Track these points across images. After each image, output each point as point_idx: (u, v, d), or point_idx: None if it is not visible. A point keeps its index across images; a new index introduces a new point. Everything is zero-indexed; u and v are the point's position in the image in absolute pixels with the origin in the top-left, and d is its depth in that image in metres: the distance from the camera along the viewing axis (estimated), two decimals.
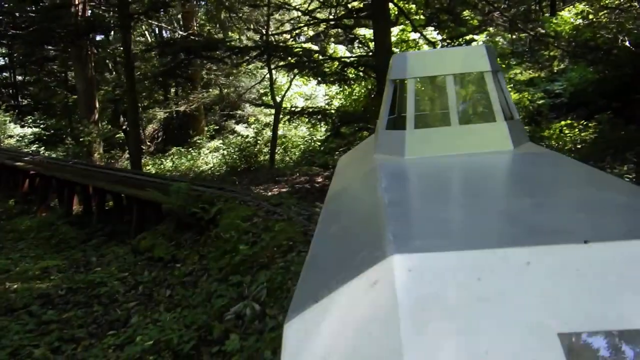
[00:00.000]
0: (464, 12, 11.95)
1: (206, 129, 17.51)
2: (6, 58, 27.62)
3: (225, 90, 16.40)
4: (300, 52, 11.19)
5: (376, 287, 1.15)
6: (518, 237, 1.31)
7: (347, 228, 1.82)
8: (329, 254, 1.64)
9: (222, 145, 15.19)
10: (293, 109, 11.93)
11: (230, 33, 17.05)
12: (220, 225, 6.21)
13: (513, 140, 2.40)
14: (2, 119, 18.16)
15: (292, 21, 13.71)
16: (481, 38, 11.94)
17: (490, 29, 12.24)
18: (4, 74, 28.04)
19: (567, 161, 2.34)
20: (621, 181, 1.94)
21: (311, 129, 14.38)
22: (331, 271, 1.41)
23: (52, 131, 19.95)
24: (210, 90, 16.87)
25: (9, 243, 8.10)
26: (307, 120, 11.50)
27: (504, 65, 12.42)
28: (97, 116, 16.03)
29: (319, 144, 13.12)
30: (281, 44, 12.06)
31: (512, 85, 11.89)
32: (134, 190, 8.11)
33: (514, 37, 13.70)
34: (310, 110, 11.34)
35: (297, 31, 12.57)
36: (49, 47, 20.64)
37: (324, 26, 12.75)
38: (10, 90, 27.53)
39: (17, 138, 17.94)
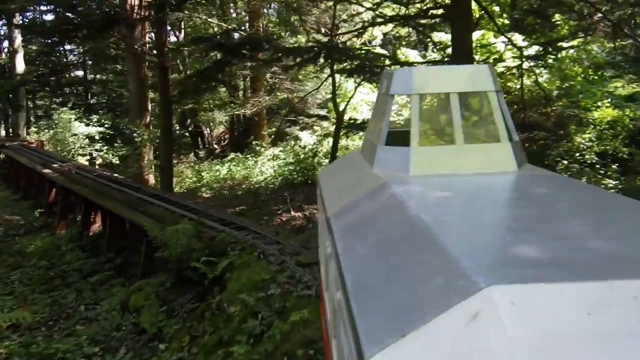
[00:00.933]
0: (556, 15, 10.52)
1: (266, 134, 16.29)
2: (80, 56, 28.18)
3: (289, 95, 15.09)
4: (363, 55, 9.53)
5: (478, 321, 1.08)
6: (610, 268, 1.24)
7: (388, 249, 1.70)
8: (382, 278, 1.49)
9: (281, 153, 13.90)
10: (352, 121, 10.31)
11: (299, 37, 15.74)
12: (226, 290, 4.65)
13: (517, 161, 2.43)
14: (67, 117, 18.48)
15: (358, 21, 11.97)
16: (576, 43, 9.86)
17: (585, 34, 9.95)
18: (78, 72, 28.65)
19: (576, 183, 2.45)
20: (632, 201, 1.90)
21: None
22: (404, 299, 1.29)
23: (115, 131, 20.42)
24: (273, 94, 15.64)
25: (3, 272, 7.16)
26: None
27: (596, 77, 11.35)
28: (148, 118, 15.26)
29: None
30: (343, 46, 10.44)
31: (609, 100, 10.60)
32: (142, 219, 6.77)
33: (615, 44, 11.27)
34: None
35: (361, 30, 10.87)
36: (111, 45, 20.56)
37: (394, 25, 11.03)
38: (80, 89, 28.23)
39: (81, 137, 18.25)
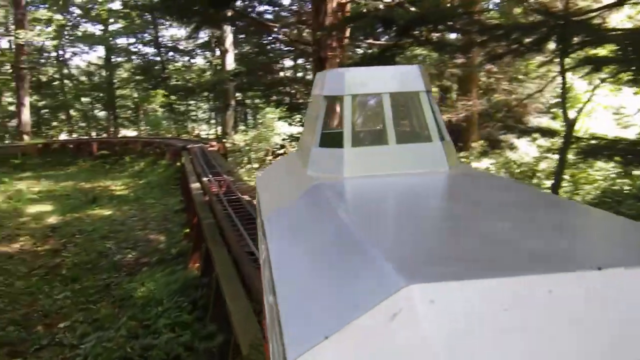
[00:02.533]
0: None
1: (476, 144, 14.75)
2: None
3: (507, 96, 13.41)
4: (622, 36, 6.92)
5: (397, 321, 1.12)
6: (528, 263, 1.31)
7: (315, 251, 1.78)
8: (309, 280, 1.58)
9: (491, 167, 12.39)
10: (591, 138, 8.16)
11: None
12: None
13: (448, 160, 2.61)
14: (271, 116, 19.28)
15: None
16: None
17: None
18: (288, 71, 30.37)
19: (508, 182, 2.75)
20: (573, 203, 2.10)
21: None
22: (326, 301, 1.36)
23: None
24: (487, 96, 14.10)
25: (77, 333, 5.89)
26: (616, 158, 7.76)
27: None
28: None
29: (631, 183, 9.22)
30: (585, 23, 7.36)
31: None
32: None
33: None
34: (624, 143, 7.47)
35: None
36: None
37: None
38: (288, 88, 29.89)
39: (284, 136, 18.90)
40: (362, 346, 1.12)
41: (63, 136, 28.03)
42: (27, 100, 21.83)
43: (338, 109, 2.91)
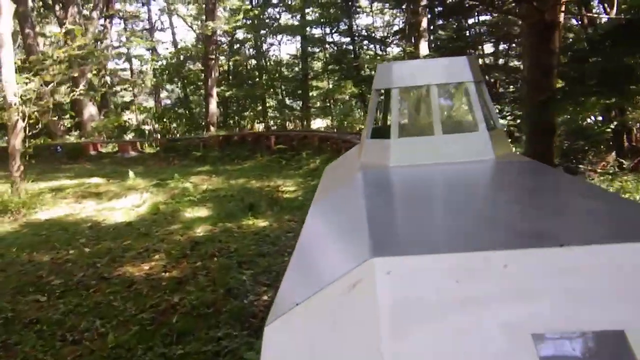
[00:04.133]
0: None
1: None
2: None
3: None
4: None
5: (356, 290, 1.32)
6: (496, 240, 1.53)
7: (330, 233, 2.14)
8: (312, 258, 1.89)
9: None
10: None
11: None
12: None
13: (495, 149, 2.77)
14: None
15: None
16: None
17: None
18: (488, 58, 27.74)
19: (547, 169, 2.77)
20: (600, 189, 2.47)
21: None
22: (313, 274, 1.66)
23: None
24: None
25: None
26: None
27: None
28: (550, 114, 11.69)
29: None
30: None
31: None
32: None
33: None
34: None
35: None
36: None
37: None
38: (487, 77, 26.93)
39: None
40: (326, 312, 1.35)
41: (260, 127, 28.68)
42: (214, 91, 22.22)
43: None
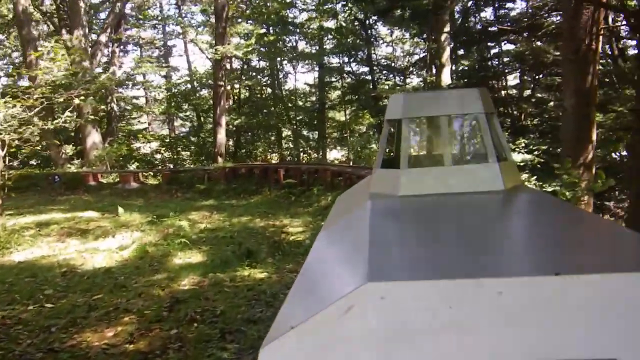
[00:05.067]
0: None
1: None
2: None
3: None
4: None
5: (350, 314, 1.35)
6: (492, 268, 1.56)
7: (333, 258, 2.22)
8: (313, 282, 1.93)
9: None
10: None
11: None
12: None
13: (504, 181, 2.81)
14: None
15: None
16: None
17: None
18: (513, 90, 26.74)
19: (554, 202, 2.85)
20: (605, 220, 2.65)
21: None
22: (312, 298, 1.68)
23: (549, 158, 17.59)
24: None
25: None
26: None
27: None
28: (590, 154, 10.80)
29: None
30: None
31: None
32: None
33: None
34: None
35: None
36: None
37: None
38: (510, 109, 25.81)
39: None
40: (320, 335, 1.38)
41: (274, 158, 27.74)
42: (223, 120, 21.27)
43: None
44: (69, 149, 20.69)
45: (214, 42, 22.88)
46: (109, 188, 18.73)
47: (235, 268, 8.35)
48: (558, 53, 16.96)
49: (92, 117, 19.86)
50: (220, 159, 20.42)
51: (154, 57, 31.91)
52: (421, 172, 3.04)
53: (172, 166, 23.93)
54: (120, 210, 13.34)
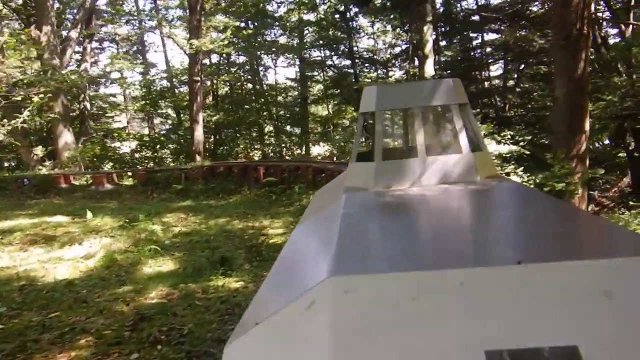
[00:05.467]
0: None
1: None
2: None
3: None
4: None
5: (312, 309, 1.35)
6: (456, 259, 1.54)
7: (304, 254, 2.23)
8: (282, 279, 1.92)
9: None
10: None
11: None
12: None
13: (479, 171, 2.81)
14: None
15: None
16: None
17: None
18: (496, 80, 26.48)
19: (528, 192, 2.86)
20: (575, 209, 2.54)
21: None
22: (279, 294, 1.68)
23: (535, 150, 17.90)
24: None
25: None
26: None
27: None
28: (583, 145, 10.53)
29: None
30: None
31: None
32: None
33: None
34: None
35: None
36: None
37: None
38: (498, 99, 25.53)
39: (492, 157, 15.00)
40: (283, 331, 1.36)
41: (258, 155, 27.06)
42: (200, 117, 20.53)
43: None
44: (39, 150, 19.80)
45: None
46: (81, 190, 17.89)
47: (209, 277, 7.72)
48: (543, 41, 16.55)
49: (57, 116, 18.98)
50: (198, 158, 19.68)
51: (130, 54, 30.99)
52: (395, 164, 3.01)
53: (151, 165, 23.16)
54: (89, 214, 12.62)
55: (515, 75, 25.38)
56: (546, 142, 21.72)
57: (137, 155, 24.80)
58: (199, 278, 7.71)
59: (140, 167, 20.47)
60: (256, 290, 6.97)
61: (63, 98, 20.23)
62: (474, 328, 1.24)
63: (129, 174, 18.73)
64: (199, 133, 20.05)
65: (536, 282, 1.33)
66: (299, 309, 1.37)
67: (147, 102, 26.01)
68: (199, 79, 20.05)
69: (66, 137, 20.34)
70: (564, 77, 10.32)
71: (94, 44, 32.17)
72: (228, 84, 28.47)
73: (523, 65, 23.42)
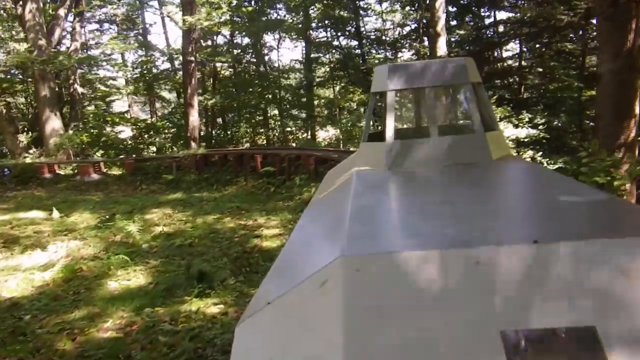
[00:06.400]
0: None
1: None
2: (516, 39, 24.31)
3: None
4: None
5: (324, 288, 1.32)
6: (471, 238, 1.49)
7: (314, 234, 2.18)
8: (293, 259, 1.89)
9: None
10: None
11: None
12: None
13: (492, 151, 2.73)
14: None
15: None
16: None
17: None
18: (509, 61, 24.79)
19: (542, 171, 2.88)
20: (589, 189, 2.21)
21: None
22: (290, 274, 1.64)
23: (552, 134, 17.44)
24: None
25: None
26: None
27: None
28: (633, 132, 8.76)
29: None
30: None
31: None
32: None
33: None
34: None
35: None
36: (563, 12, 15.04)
37: None
38: (514, 79, 23.90)
39: (509, 142, 14.83)
40: (295, 310, 1.34)
41: (260, 141, 25.57)
42: (196, 100, 18.95)
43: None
44: (23, 137, 18.36)
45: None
46: (66, 181, 16.47)
47: (183, 297, 6.26)
48: (573, 13, 14.81)
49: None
50: (193, 144, 18.15)
51: (131, 37, 29.40)
52: (406, 144, 2.94)
53: (151, 153, 21.70)
54: (55, 213, 11.14)
55: (533, 54, 23.63)
56: (568, 126, 19.98)
57: (129, 142, 23.27)
58: (171, 299, 6.24)
59: (127, 156, 18.92)
60: (238, 317, 5.51)
61: (50, 81, 18.73)
62: (489, 308, 1.21)
63: (115, 163, 17.28)
64: (194, 118, 18.46)
65: (552, 261, 1.30)
66: (310, 288, 1.36)
67: (141, 85, 24.41)
68: (193, 59, 18.44)
69: (54, 122, 18.86)
70: (610, 52, 8.62)
71: (94, 26, 30.71)
72: (230, 66, 26.88)
73: (543, 43, 21.64)
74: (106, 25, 31.08)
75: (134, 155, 19.01)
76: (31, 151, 18.47)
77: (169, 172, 15.59)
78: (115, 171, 17.18)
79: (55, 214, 11.09)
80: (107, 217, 10.62)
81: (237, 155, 15.16)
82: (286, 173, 13.31)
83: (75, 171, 16.84)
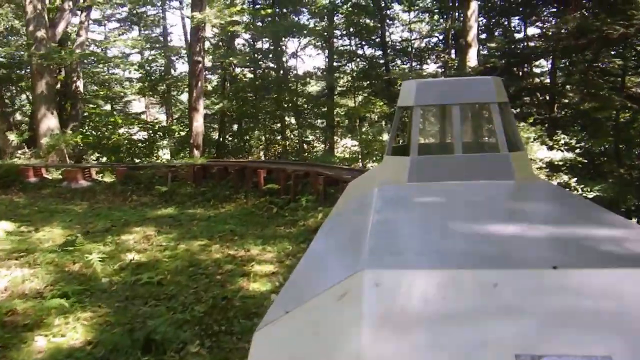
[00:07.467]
0: None
1: None
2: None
3: None
4: None
5: (344, 300, 1.32)
6: (490, 259, 1.48)
7: (335, 246, 2.16)
8: (313, 269, 1.88)
9: None
10: None
11: None
12: None
13: (515, 172, 2.67)
14: (527, 136, 13.95)
15: None
16: None
17: None
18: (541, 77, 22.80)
19: (565, 195, 2.77)
20: (611, 215, 2.09)
21: None
22: (310, 285, 1.63)
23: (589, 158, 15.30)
24: None
25: None
26: None
27: None
28: None
29: None
30: None
31: None
32: None
33: None
34: None
35: None
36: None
37: None
38: (546, 97, 21.93)
39: (541, 164, 13.62)
40: (313, 320, 1.33)
41: (276, 150, 23.89)
42: (201, 104, 17.30)
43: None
44: (13, 136, 16.90)
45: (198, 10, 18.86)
46: (52, 187, 14.87)
47: None
48: (628, 23, 12.80)
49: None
50: (197, 152, 16.49)
51: (151, 37, 28.11)
52: (430, 160, 2.99)
53: (153, 160, 20.10)
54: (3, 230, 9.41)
55: (570, 70, 21.61)
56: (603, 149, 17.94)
57: (141, 145, 21.73)
58: None
59: (118, 163, 17.22)
60: None
61: (48, 77, 17.27)
62: (505, 331, 1.19)
63: (106, 169, 15.63)
64: (198, 123, 16.76)
65: (571, 288, 1.29)
66: (330, 300, 1.35)
67: (144, 85, 22.88)
68: (200, 59, 16.82)
69: (49, 121, 17.36)
70: None
71: (114, 24, 29.46)
72: (250, 71, 25.37)
73: (584, 59, 19.60)
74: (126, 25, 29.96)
75: (128, 159, 17.41)
76: (22, 151, 17.02)
77: (164, 183, 13.89)
78: (108, 178, 15.58)
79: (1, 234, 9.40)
80: (75, 237, 8.92)
81: (238, 168, 13.38)
82: (292, 192, 11.49)
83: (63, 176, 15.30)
